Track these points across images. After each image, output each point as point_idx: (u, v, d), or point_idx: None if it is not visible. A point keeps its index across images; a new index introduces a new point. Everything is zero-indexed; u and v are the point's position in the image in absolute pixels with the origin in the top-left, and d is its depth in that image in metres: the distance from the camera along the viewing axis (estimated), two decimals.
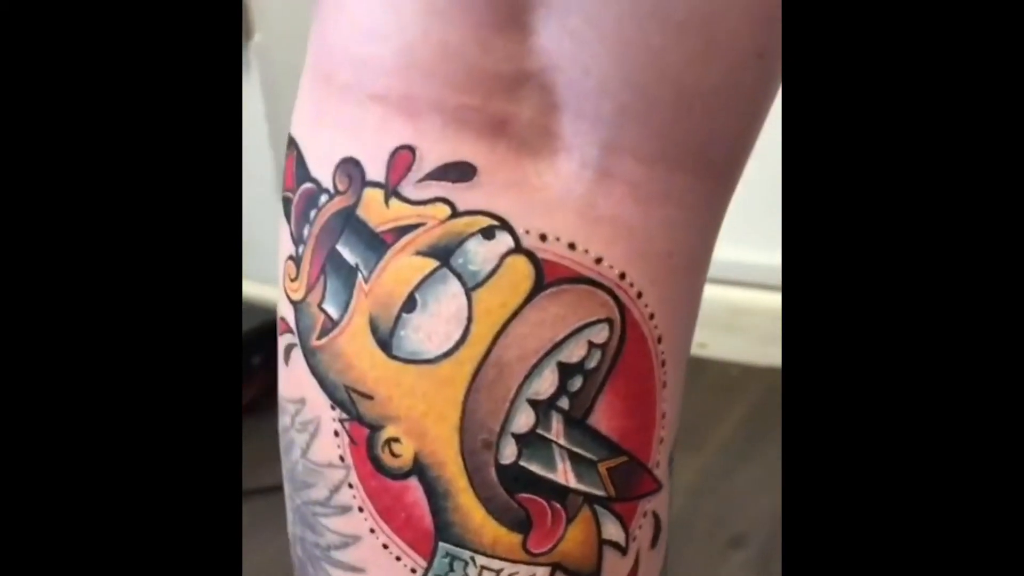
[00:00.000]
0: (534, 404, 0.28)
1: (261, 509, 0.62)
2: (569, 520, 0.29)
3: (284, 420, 0.32)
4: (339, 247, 0.28)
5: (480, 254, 0.27)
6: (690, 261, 0.29)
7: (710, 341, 1.21)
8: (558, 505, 0.29)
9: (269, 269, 0.35)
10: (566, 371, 0.28)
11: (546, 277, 0.27)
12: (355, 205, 0.28)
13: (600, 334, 0.28)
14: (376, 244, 0.28)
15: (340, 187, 0.28)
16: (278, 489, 0.33)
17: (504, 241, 0.27)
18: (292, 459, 0.31)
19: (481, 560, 0.29)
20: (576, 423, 0.28)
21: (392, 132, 0.27)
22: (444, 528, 0.29)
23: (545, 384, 0.28)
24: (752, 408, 1.05)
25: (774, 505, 0.93)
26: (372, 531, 0.29)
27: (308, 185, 0.29)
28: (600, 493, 0.29)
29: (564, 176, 0.27)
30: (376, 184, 0.28)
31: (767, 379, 1.13)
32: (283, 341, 0.31)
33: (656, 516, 0.31)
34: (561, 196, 0.27)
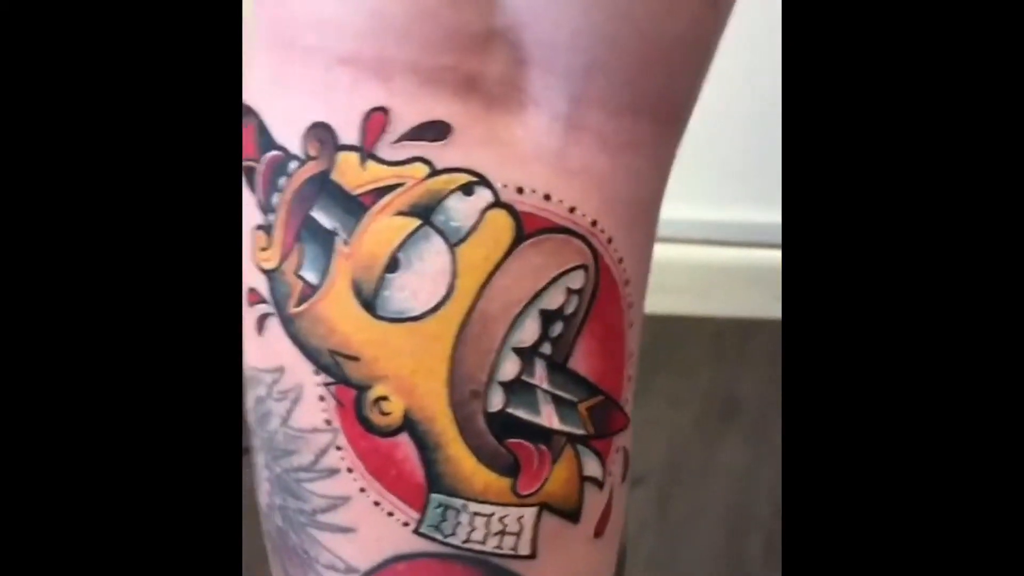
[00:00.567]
0: (519, 352, 0.29)
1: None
2: (554, 460, 0.30)
3: (257, 391, 0.32)
4: (314, 213, 0.28)
5: (461, 210, 0.28)
6: (650, 206, 0.31)
7: None
8: (544, 447, 0.30)
9: None
10: (548, 318, 0.29)
11: (525, 228, 0.28)
12: (329, 170, 0.28)
13: (577, 280, 0.29)
14: (354, 207, 0.28)
15: (311, 152, 0.28)
16: None
17: (483, 196, 0.28)
18: (270, 429, 0.31)
19: (473, 507, 0.30)
20: (558, 367, 0.30)
21: (364, 95, 0.28)
22: (436, 479, 0.29)
23: (528, 332, 0.29)
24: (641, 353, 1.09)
25: (668, 443, 0.98)
26: (363, 490, 0.30)
27: (274, 153, 0.29)
28: (581, 432, 0.30)
29: (535, 129, 0.28)
30: (350, 147, 0.28)
31: (653, 326, 1.17)
32: (253, 312, 0.31)
33: (625, 451, 0.33)
34: (534, 149, 0.28)
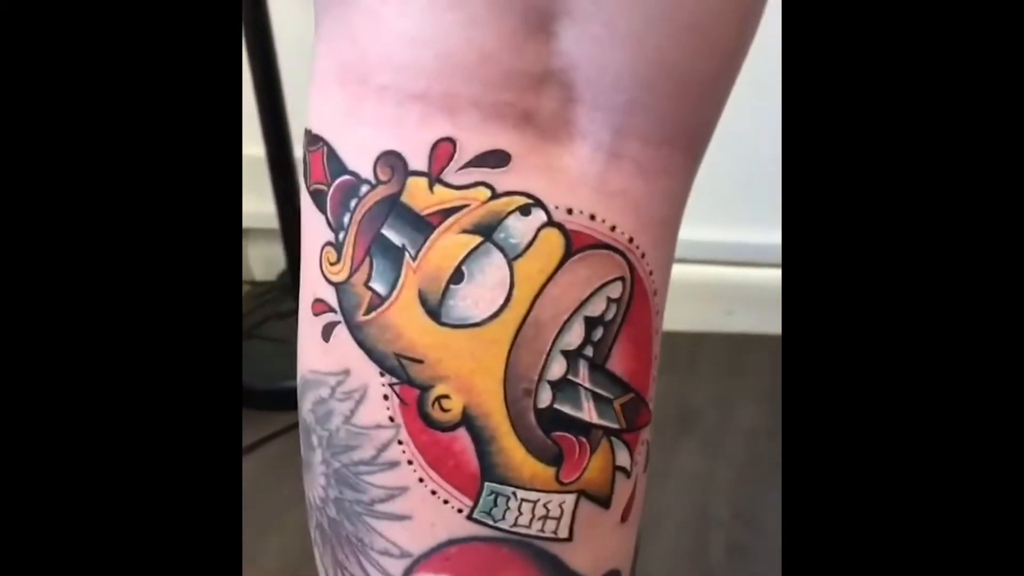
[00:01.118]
0: (565, 354, 0.33)
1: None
2: (592, 451, 0.34)
3: (319, 392, 0.35)
4: (385, 231, 0.32)
5: (519, 229, 0.31)
6: (675, 224, 0.35)
7: None
8: (584, 439, 0.34)
9: None
10: (591, 324, 0.33)
11: (573, 245, 0.32)
12: (399, 192, 0.32)
13: (616, 290, 0.33)
14: (422, 226, 0.31)
15: (382, 177, 0.32)
16: None
17: (539, 216, 0.31)
18: (331, 427, 0.34)
19: (521, 494, 0.33)
20: (597, 368, 0.33)
21: (432, 127, 0.31)
22: (489, 469, 0.33)
23: (574, 336, 0.32)
24: None
25: None
26: (421, 480, 0.33)
27: (345, 177, 0.32)
28: (615, 426, 0.34)
29: (581, 158, 0.32)
30: (419, 173, 0.31)
31: None
32: (319, 321, 0.34)
33: (647, 444, 0.37)
34: (580, 175, 0.32)
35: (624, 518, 0.36)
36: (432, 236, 0.31)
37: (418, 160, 0.31)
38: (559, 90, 0.31)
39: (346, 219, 0.32)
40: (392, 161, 0.32)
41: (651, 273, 0.34)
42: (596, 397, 0.34)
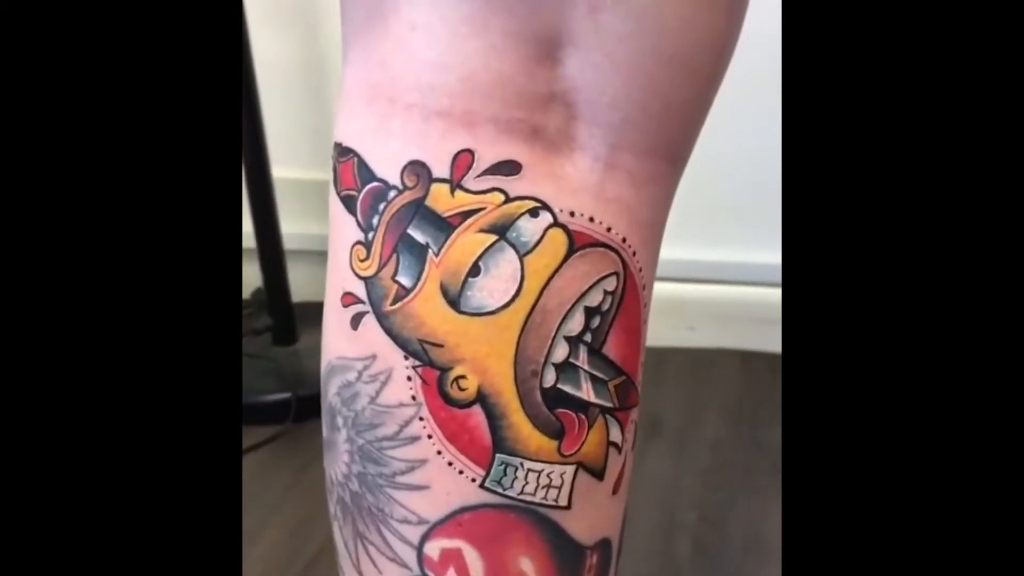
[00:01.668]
0: (568, 340, 0.37)
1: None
2: (589, 427, 0.38)
3: (346, 376, 0.39)
4: (410, 230, 0.36)
5: (529, 229, 0.36)
6: (661, 226, 0.40)
7: None
8: (583, 416, 0.38)
9: None
10: (590, 313, 0.37)
11: (576, 243, 0.37)
12: (424, 197, 0.36)
13: (611, 283, 0.38)
14: (444, 226, 0.36)
15: (408, 184, 0.36)
16: None
17: (546, 218, 0.36)
18: (357, 407, 0.39)
19: (528, 464, 0.38)
20: (595, 352, 0.38)
21: (454, 140, 0.36)
22: (500, 442, 0.37)
23: (575, 324, 0.37)
24: None
25: None
26: (439, 453, 0.37)
27: (375, 184, 0.37)
28: (610, 405, 0.39)
29: (582, 168, 0.37)
30: (442, 180, 0.36)
31: None
32: (348, 312, 0.38)
33: (635, 423, 0.41)
34: (581, 183, 0.37)
35: (615, 490, 0.40)
36: (453, 235, 0.36)
37: (441, 168, 0.36)
38: (564, 109, 0.36)
39: (375, 220, 0.37)
40: (418, 169, 0.36)
41: (641, 269, 0.39)
42: (593, 378, 0.38)
